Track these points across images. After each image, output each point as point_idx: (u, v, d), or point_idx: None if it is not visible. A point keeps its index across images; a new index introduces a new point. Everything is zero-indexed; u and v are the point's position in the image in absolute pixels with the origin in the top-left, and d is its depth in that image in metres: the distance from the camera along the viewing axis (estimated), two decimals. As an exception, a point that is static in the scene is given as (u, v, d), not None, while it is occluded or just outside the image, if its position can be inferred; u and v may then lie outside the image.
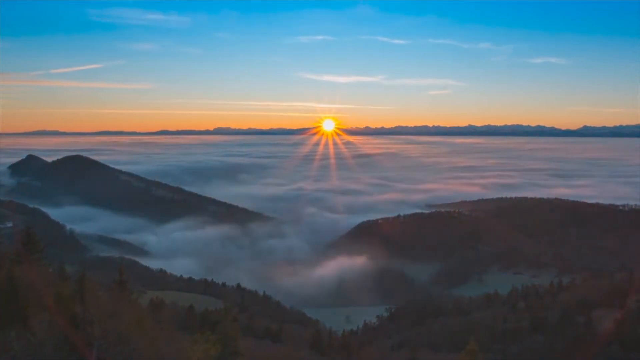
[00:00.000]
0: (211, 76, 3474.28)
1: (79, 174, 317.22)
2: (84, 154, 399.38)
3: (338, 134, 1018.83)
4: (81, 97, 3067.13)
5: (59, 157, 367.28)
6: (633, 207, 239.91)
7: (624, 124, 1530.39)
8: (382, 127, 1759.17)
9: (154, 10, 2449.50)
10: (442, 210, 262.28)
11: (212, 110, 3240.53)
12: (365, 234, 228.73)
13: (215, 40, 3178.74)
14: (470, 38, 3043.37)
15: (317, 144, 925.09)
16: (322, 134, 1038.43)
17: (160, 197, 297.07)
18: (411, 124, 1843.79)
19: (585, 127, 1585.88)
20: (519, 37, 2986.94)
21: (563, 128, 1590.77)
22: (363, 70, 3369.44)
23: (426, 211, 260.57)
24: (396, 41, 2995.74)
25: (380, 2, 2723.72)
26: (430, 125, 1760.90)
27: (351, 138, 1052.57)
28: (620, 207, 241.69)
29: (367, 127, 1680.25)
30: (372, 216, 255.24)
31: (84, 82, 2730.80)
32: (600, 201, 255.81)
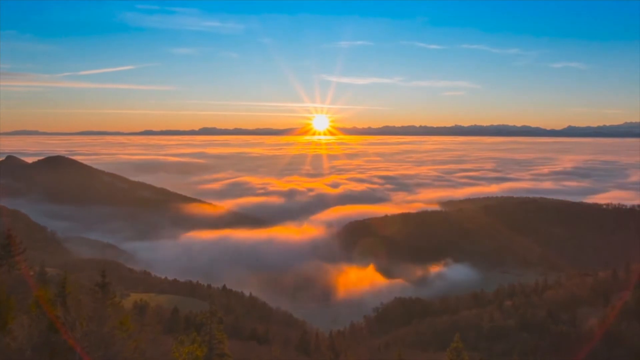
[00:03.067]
0: (231, 79, 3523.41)
1: (60, 174, 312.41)
2: (68, 154, 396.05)
3: (320, 135, 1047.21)
4: (84, 98, 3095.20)
5: (40, 158, 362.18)
6: (616, 205, 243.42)
7: (608, 124, 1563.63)
8: (370, 128, 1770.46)
9: (213, 16, 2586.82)
10: (429, 209, 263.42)
11: (215, 111, 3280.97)
12: (352, 234, 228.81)
13: (257, 45, 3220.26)
14: (501, 44, 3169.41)
15: (287, 143, 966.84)
16: (309, 133, 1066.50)
17: (144, 198, 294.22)
18: (398, 124, 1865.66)
19: (570, 127, 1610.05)
20: (544, 43, 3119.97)
21: (548, 128, 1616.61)
22: (385, 72, 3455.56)
23: (413, 211, 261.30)
24: (432, 46, 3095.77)
25: (428, 13, 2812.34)
26: (418, 126, 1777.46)
27: (338, 138, 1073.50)
28: (604, 206, 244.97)
29: (354, 128, 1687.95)
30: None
31: (102, 84, 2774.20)
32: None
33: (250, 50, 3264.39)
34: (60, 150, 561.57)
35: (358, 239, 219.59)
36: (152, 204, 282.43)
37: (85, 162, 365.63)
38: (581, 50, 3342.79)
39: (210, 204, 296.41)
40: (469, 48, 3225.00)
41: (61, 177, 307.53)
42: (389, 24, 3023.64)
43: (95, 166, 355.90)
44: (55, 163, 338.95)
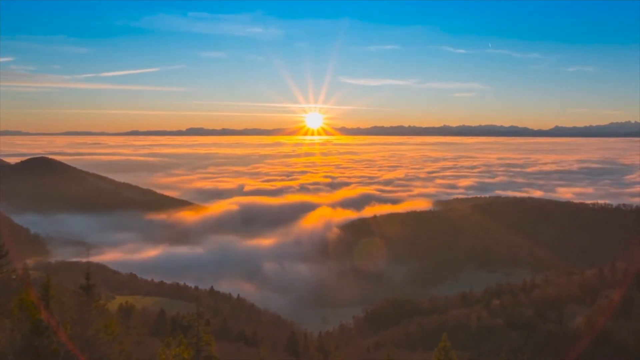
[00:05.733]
0: (244, 81, 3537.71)
1: (44, 176, 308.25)
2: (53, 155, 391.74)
3: (307, 135, 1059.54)
4: (87, 100, 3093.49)
5: (23, 159, 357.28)
6: (602, 205, 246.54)
7: (594, 124, 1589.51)
8: (358, 128, 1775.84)
9: (259, 22, 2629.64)
10: (418, 209, 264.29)
11: (212, 112, 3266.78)
12: (341, 234, 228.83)
13: (287, 49, 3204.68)
14: (523, 48, 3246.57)
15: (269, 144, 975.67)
16: (300, 133, 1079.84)
17: (130, 199, 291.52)
18: (387, 124, 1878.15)
19: (557, 127, 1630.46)
20: (561, 48, 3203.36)
21: (535, 128, 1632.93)
22: (401, 74, 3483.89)
23: (402, 211, 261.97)
24: (459, 50, 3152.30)
25: (457, 19, 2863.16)
26: (407, 126, 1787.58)
27: (324, 139, 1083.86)
28: (591, 205, 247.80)
29: (343, 128, 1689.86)
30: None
31: (120, 85, 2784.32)
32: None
33: (278, 53, 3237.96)
34: (44, 151, 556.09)
35: (345, 239, 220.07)
36: (140, 205, 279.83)
37: (67, 163, 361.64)
38: (580, 54, 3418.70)
39: (198, 205, 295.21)
40: (494, 52, 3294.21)
41: (44, 178, 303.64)
42: (417, 29, 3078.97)
43: (75, 167, 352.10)
44: (37, 164, 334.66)
